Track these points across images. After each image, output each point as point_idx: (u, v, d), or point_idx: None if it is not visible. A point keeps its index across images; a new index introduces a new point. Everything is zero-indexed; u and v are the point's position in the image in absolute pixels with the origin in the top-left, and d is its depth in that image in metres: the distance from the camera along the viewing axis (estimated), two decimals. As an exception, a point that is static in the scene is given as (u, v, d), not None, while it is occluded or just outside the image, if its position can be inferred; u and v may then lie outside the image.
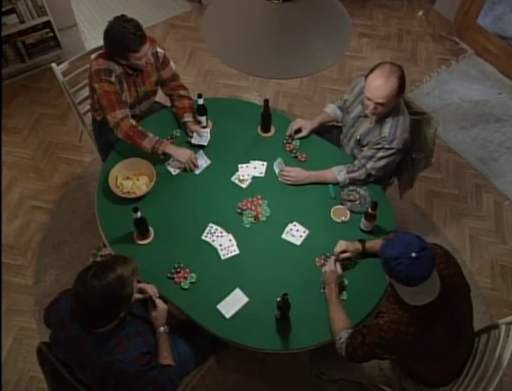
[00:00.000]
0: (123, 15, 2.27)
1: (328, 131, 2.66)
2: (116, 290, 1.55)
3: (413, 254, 1.57)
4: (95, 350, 1.61)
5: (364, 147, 2.37)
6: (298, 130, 2.52)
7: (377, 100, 2.15)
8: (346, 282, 2.08)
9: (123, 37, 2.20)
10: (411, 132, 2.32)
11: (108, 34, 2.25)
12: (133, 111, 2.56)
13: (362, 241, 2.10)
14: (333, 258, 2.04)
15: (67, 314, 1.63)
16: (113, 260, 1.64)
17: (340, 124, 2.61)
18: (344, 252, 2.06)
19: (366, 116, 2.34)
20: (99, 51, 2.44)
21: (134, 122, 2.40)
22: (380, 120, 2.28)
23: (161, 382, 1.70)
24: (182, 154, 2.37)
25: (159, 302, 1.90)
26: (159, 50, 2.48)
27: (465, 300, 1.82)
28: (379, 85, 2.13)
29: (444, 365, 1.86)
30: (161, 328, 1.88)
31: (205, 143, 2.48)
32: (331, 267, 2.01)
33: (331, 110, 2.61)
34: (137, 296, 1.84)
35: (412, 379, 1.95)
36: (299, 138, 2.51)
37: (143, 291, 1.90)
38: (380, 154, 2.27)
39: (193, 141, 2.48)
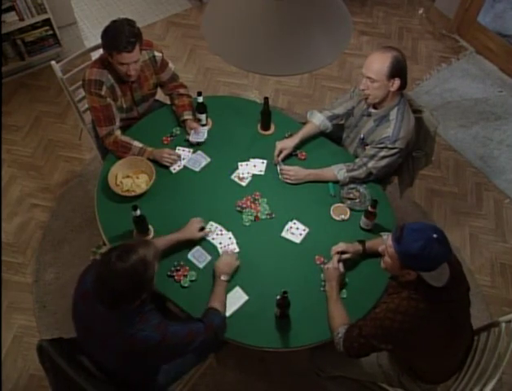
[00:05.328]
0: (133, 21, 2.28)
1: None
2: (140, 273, 1.57)
3: (435, 235, 1.58)
4: (119, 325, 1.63)
5: (367, 145, 2.36)
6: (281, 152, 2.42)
7: (368, 74, 2.17)
8: (347, 280, 2.08)
9: (116, 34, 2.20)
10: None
11: (108, 26, 2.26)
12: (131, 113, 2.57)
13: (362, 242, 2.10)
14: (336, 255, 2.05)
15: (92, 289, 1.64)
16: (136, 243, 1.65)
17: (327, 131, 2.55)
18: (344, 252, 2.06)
19: (369, 115, 2.34)
20: (96, 57, 2.43)
21: (118, 134, 2.43)
22: (381, 118, 2.28)
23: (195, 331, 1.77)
24: (161, 154, 2.38)
25: (223, 253, 2.08)
26: (156, 53, 2.48)
27: (464, 298, 1.82)
28: (372, 59, 2.17)
29: (443, 361, 1.86)
30: (222, 277, 2.00)
31: (202, 140, 2.48)
32: (334, 264, 2.01)
33: (320, 121, 2.49)
34: (200, 234, 2.12)
35: (411, 376, 1.95)
36: (284, 159, 2.41)
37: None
38: (382, 153, 2.27)
39: (190, 139, 2.49)
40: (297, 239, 2.20)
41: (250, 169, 2.41)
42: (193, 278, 2.07)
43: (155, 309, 1.72)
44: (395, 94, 2.23)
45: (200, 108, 2.48)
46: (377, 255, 1.96)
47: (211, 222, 2.22)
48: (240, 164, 2.43)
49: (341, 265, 2.02)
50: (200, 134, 2.49)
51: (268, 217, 2.26)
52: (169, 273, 2.08)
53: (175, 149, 2.46)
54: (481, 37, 3.99)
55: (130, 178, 2.35)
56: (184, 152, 2.47)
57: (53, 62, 2.60)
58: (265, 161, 2.44)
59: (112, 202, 2.28)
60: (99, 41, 2.32)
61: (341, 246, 2.07)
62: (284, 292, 1.86)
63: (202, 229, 2.15)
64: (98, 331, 1.68)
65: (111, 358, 1.71)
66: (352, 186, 2.35)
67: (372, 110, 2.32)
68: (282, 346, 1.95)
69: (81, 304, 1.72)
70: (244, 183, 2.37)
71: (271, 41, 1.66)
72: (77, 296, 1.74)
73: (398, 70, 2.15)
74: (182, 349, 1.76)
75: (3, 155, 3.34)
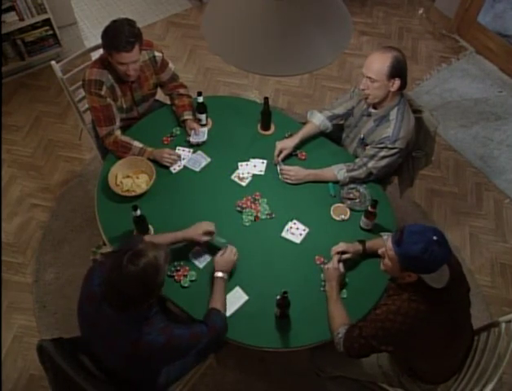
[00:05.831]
0: (133, 21, 2.28)
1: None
2: (151, 277, 1.57)
3: (435, 238, 1.57)
4: (126, 328, 1.62)
5: (367, 146, 2.36)
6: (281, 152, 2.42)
7: (368, 74, 2.17)
8: (347, 280, 2.08)
9: (116, 34, 2.21)
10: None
11: (108, 26, 2.27)
12: (131, 113, 2.57)
13: (362, 242, 2.10)
14: (336, 255, 2.05)
15: (98, 290, 1.64)
16: (147, 246, 1.64)
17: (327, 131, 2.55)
18: (344, 252, 2.06)
19: (369, 115, 2.34)
20: (96, 57, 2.44)
21: (118, 134, 2.43)
22: (381, 118, 2.28)
23: (197, 333, 1.75)
24: (161, 154, 2.38)
25: (224, 252, 2.03)
26: (156, 53, 2.48)
27: (464, 299, 1.82)
28: (373, 59, 2.17)
29: (443, 361, 1.86)
30: (220, 273, 1.98)
31: (203, 139, 2.48)
32: (334, 264, 2.01)
33: (320, 121, 2.49)
34: (205, 238, 2.03)
35: (411, 376, 1.95)
36: (284, 159, 2.41)
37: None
38: (382, 153, 2.27)
39: (190, 140, 2.49)
40: (297, 239, 2.20)
41: (250, 169, 2.41)
42: (193, 278, 2.07)
43: (160, 312, 1.72)
44: (395, 94, 2.23)
45: (200, 108, 2.48)
46: (377, 255, 1.96)
47: (219, 238, 2.12)
48: (240, 164, 2.43)
49: (341, 265, 2.02)
50: (201, 135, 2.49)
51: (268, 217, 2.26)
52: (169, 273, 2.08)
53: (175, 149, 2.47)
54: (481, 37, 3.99)
55: (130, 178, 2.35)
56: (184, 152, 2.47)
57: (53, 62, 2.60)
58: (265, 161, 2.44)
59: (112, 202, 2.28)
60: (99, 41, 2.32)
61: (341, 246, 2.07)
62: (284, 292, 1.86)
63: (211, 233, 2.06)
64: (103, 333, 1.67)
65: (114, 359, 1.71)
66: (352, 186, 2.35)
67: (372, 110, 2.33)
68: (282, 346, 1.95)
69: (87, 305, 1.71)
70: (244, 183, 2.37)
71: (271, 42, 1.66)
72: (83, 297, 1.73)
73: (398, 70, 2.15)
74: (185, 351, 1.76)
75: (3, 155, 3.34)
